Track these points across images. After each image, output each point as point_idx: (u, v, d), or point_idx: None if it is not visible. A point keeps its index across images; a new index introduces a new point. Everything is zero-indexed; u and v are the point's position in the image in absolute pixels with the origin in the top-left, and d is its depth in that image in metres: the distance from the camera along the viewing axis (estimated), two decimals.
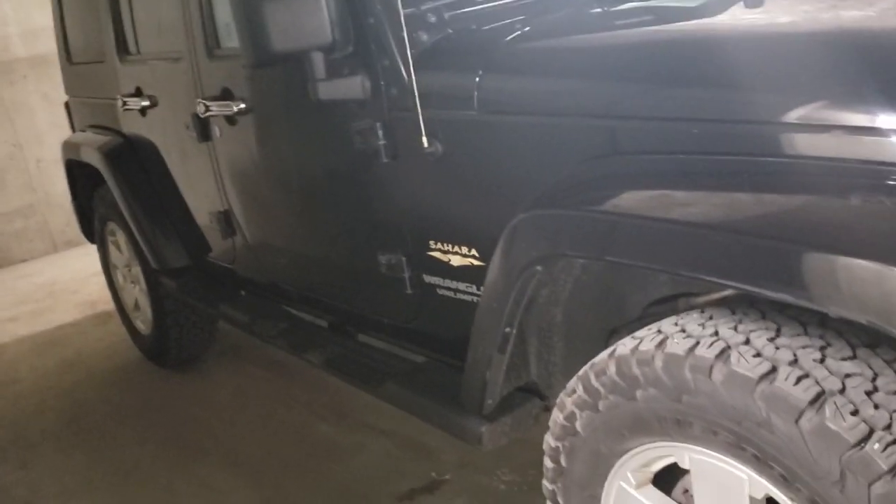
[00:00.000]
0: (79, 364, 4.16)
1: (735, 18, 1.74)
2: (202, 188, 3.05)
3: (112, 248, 4.01)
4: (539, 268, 1.57)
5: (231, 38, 2.61)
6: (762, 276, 1.19)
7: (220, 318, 3.22)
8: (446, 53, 1.94)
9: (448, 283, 2.04)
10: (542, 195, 1.60)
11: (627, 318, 1.87)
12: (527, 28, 1.88)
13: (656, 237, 1.34)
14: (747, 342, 1.29)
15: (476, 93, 1.80)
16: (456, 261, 1.99)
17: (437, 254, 2.04)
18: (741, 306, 1.41)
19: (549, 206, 1.55)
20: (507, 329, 1.69)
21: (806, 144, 1.28)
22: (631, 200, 1.42)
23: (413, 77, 1.86)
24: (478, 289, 1.94)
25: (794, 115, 1.30)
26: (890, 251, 1.07)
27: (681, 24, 1.76)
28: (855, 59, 1.32)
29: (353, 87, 2.02)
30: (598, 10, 2.05)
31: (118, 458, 3.16)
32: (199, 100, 2.69)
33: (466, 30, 1.99)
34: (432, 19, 1.99)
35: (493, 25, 1.98)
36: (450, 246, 1.99)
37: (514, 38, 1.85)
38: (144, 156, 3.39)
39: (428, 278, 2.10)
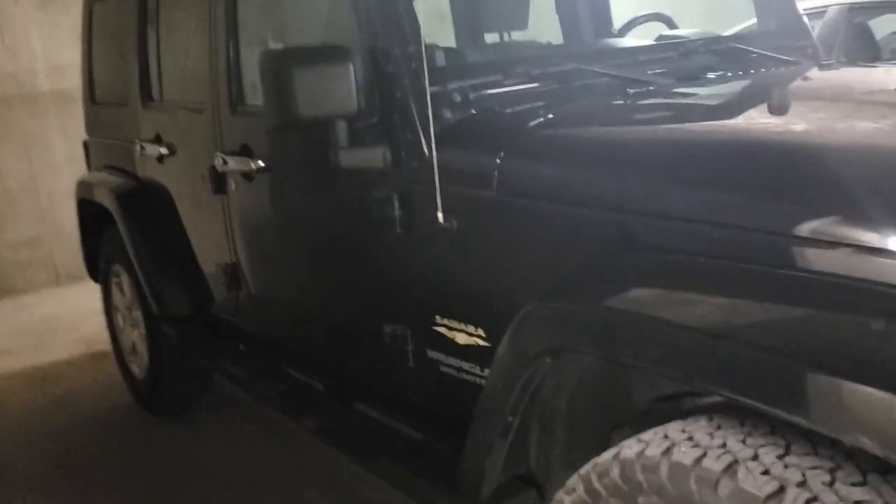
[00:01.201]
0: (70, 403, 4.11)
1: (752, 122, 1.75)
2: (212, 240, 3.04)
3: (115, 290, 3.99)
4: (548, 360, 1.54)
5: (255, 96, 2.64)
6: (769, 393, 1.17)
7: (217, 372, 3.18)
8: (468, 132, 1.95)
9: (451, 360, 2.02)
10: (554, 285, 1.58)
11: (632, 413, 1.84)
12: (550, 115, 1.89)
13: (663, 340, 1.32)
14: (755, 457, 1.26)
15: (496, 173, 1.80)
16: (462, 339, 1.97)
17: (442, 329, 2.02)
18: (750, 416, 1.38)
19: (560, 297, 1.54)
20: (511, 418, 1.66)
21: (819, 260, 1.28)
22: (642, 299, 1.41)
23: (434, 152, 1.87)
24: (481, 370, 1.91)
25: (806, 229, 1.31)
26: None
27: (699, 124, 1.77)
28: (866, 176, 1.33)
29: (374, 156, 2.03)
30: (621, 101, 2.07)
31: None
32: (219, 153, 2.70)
33: (490, 111, 2.01)
34: (457, 98, 2.00)
35: (516, 109, 1.99)
36: (456, 323, 1.97)
37: (537, 123, 1.86)
38: (157, 202, 3.39)
39: (431, 353, 2.07)
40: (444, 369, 2.05)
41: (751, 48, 2.46)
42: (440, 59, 2.08)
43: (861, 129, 1.56)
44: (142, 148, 3.38)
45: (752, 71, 2.36)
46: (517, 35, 3.18)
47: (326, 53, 1.99)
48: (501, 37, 3.15)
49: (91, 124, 4.13)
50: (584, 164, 1.68)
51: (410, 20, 2.02)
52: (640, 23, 2.99)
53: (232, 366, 2.94)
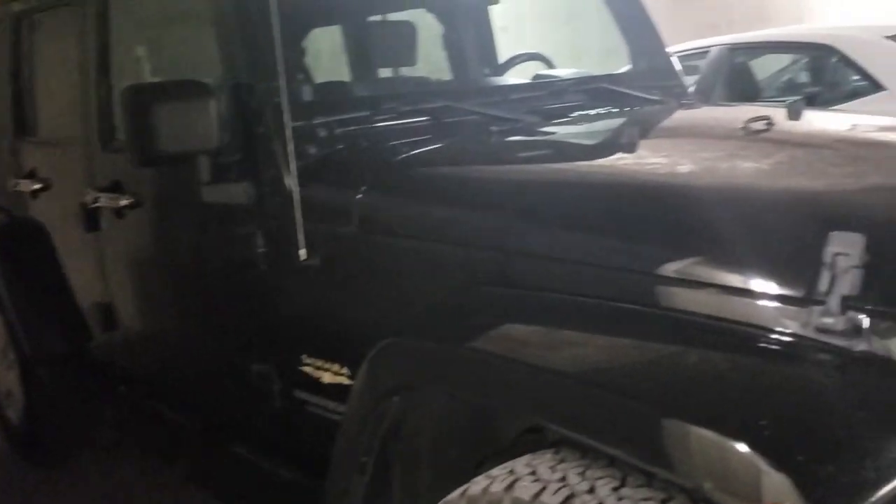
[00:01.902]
0: None
1: (632, 163, 1.80)
2: (86, 278, 2.95)
3: None
4: (395, 398, 1.53)
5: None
6: (601, 429, 1.19)
7: (92, 415, 3.06)
8: (332, 168, 1.95)
9: (318, 400, 1.98)
10: (408, 322, 1.58)
11: (499, 447, 1.83)
12: (413, 151, 1.91)
13: (509, 378, 1.32)
14: (592, 490, 1.27)
15: (356, 210, 1.80)
16: (327, 378, 1.94)
17: (308, 369, 1.98)
18: (592, 448, 1.39)
19: (411, 333, 1.53)
20: (365, 458, 1.63)
21: (675, 299, 1.31)
22: (489, 336, 1.41)
23: (296, 189, 1.85)
24: None
25: (670, 269, 1.34)
26: (732, 421, 1.06)
27: (556, 163, 1.81)
28: (734, 219, 1.37)
29: (237, 192, 2.01)
30: (485, 139, 2.09)
31: None
32: (90, 189, 2.63)
33: (358, 146, 2.01)
34: (322, 133, 1.99)
35: (381, 145, 2.00)
36: (322, 362, 1.95)
37: (399, 159, 1.87)
38: (31, 239, 3.26)
39: (298, 393, 2.04)
40: (310, 409, 2.01)
41: (618, 88, 2.53)
42: (306, 94, 2.08)
43: (741, 171, 1.60)
44: (16, 183, 3.26)
45: (616, 110, 2.43)
46: (408, 71, 3.21)
47: (187, 88, 1.97)
48: (394, 72, 3.18)
49: None
50: (440, 201, 1.70)
51: (272, 55, 2.00)
52: (520, 62, 3.06)
53: (107, 408, 2.83)
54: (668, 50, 2.94)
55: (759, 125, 1.92)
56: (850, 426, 1.03)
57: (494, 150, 2.01)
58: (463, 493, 1.42)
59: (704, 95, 5.18)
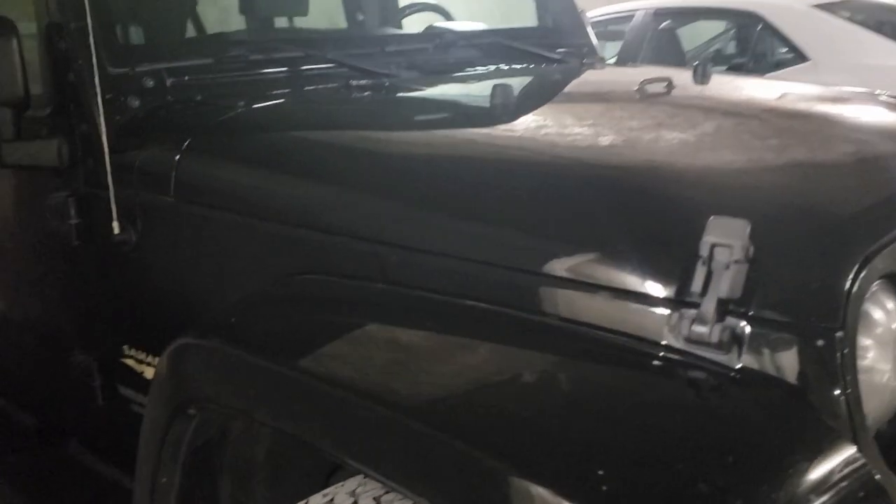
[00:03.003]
0: None
1: (493, 130, 1.51)
2: None
3: None
4: (192, 411, 1.24)
5: None
6: (401, 471, 0.93)
7: None
8: (157, 125, 1.64)
9: (142, 398, 1.69)
10: (211, 316, 1.30)
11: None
12: (248, 107, 1.61)
13: (306, 404, 1.06)
14: None
15: (174, 174, 1.50)
16: (149, 373, 1.64)
17: (131, 362, 1.69)
18: None
19: (211, 332, 1.25)
20: (164, 479, 1.34)
21: (519, 294, 1.06)
22: (295, 343, 1.14)
23: (106, 148, 1.54)
24: None
25: (517, 258, 1.08)
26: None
27: (429, 130, 1.54)
28: (601, 200, 1.12)
29: (47, 152, 1.68)
30: (355, 89, 1.80)
31: None
32: None
33: (191, 101, 1.70)
34: (149, 83, 1.68)
35: (213, 99, 1.69)
36: (144, 355, 1.65)
37: (229, 116, 1.57)
38: None
39: (122, 390, 1.74)
40: (135, 409, 1.71)
41: (514, 44, 2.26)
42: (135, 37, 1.76)
43: (663, 145, 1.32)
44: None
45: (506, 67, 2.16)
46: (301, 21, 2.88)
47: None
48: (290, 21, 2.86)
49: None
50: (262, 168, 1.41)
51: None
52: (413, 12, 2.76)
53: None
54: (582, 11, 2.69)
55: (657, 88, 1.67)
56: (706, 476, 0.79)
57: (342, 108, 1.71)
58: None
59: (627, 63, 4.96)
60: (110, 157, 1.58)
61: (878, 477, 0.83)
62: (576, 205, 1.10)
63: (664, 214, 1.05)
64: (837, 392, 0.87)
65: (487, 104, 1.53)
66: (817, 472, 0.81)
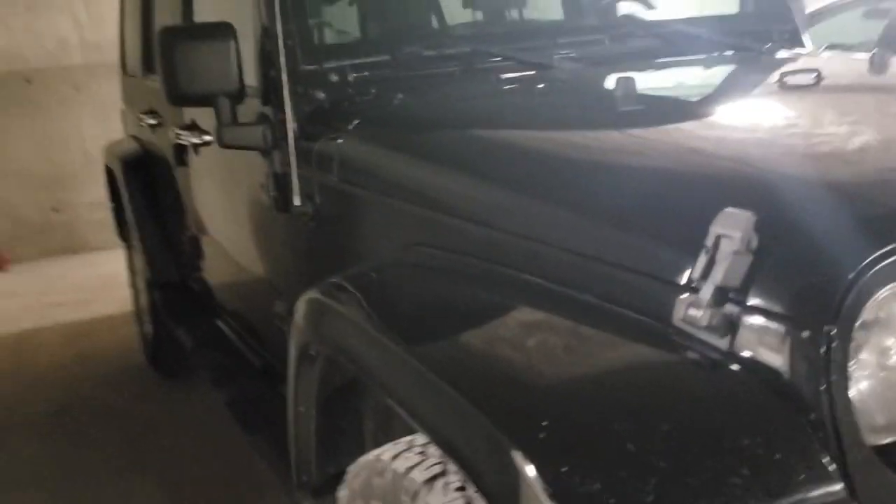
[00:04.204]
0: (93, 359, 4.34)
1: (583, 128, 1.60)
2: (184, 210, 3.14)
3: (135, 253, 4.17)
4: (316, 356, 1.49)
5: None
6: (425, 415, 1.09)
7: (174, 337, 3.25)
8: (337, 116, 1.91)
9: None
10: (339, 276, 1.53)
11: None
12: (406, 100, 1.83)
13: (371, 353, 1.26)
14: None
15: (336, 158, 1.76)
16: None
17: None
18: None
19: (335, 289, 1.48)
20: (301, 409, 1.60)
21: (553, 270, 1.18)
22: (397, 311, 1.34)
23: (291, 133, 1.84)
24: None
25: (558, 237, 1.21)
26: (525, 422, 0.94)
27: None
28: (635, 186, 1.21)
29: (254, 136, 2.02)
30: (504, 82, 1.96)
31: (77, 457, 3.27)
32: (174, 128, 2.77)
33: (368, 94, 1.95)
34: (334, 78, 1.96)
35: (392, 94, 1.92)
36: None
37: (385, 109, 1.80)
38: (153, 172, 3.52)
39: None
40: None
41: (698, 32, 2.27)
42: (328, 37, 2.04)
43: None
44: (140, 119, 3.50)
45: (682, 58, 2.18)
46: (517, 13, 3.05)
47: (210, 30, 1.99)
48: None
49: (124, 94, 4.32)
50: (396, 156, 1.62)
51: None
52: (612, 1, 2.81)
53: (184, 332, 3.02)
54: None
55: (798, 80, 1.65)
56: (660, 439, 0.87)
57: (481, 103, 1.87)
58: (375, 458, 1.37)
59: (891, 44, 4.55)
60: (299, 143, 1.88)
61: (830, 468, 0.86)
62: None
63: (692, 202, 1.11)
64: (822, 385, 0.91)
65: (610, 97, 1.62)
66: (768, 460, 0.86)
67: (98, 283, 5.71)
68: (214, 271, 2.90)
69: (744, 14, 2.54)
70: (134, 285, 4.29)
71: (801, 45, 2.44)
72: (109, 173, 4.13)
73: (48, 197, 6.83)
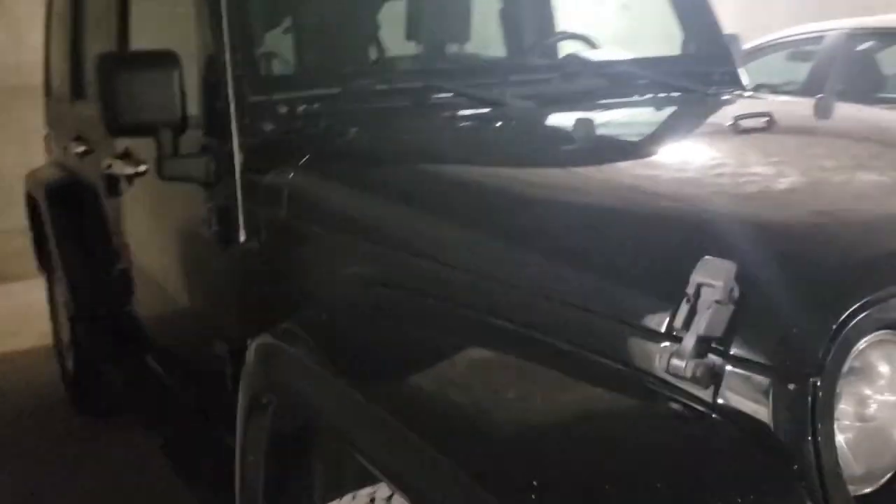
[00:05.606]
0: (9, 395, 4.11)
1: (544, 169, 1.59)
2: (114, 242, 3.01)
3: (57, 284, 3.99)
4: (265, 400, 1.41)
5: None
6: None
7: (100, 375, 3.10)
8: (285, 149, 1.85)
9: None
10: (289, 320, 1.46)
11: None
12: (353, 130, 1.79)
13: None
14: None
15: (286, 193, 1.70)
16: None
17: None
18: None
19: (283, 335, 1.41)
20: (251, 458, 1.52)
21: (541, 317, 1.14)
22: (352, 351, 1.29)
23: (238, 166, 1.78)
24: None
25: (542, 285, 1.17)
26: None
27: (499, 165, 1.63)
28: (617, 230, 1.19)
29: (197, 168, 1.94)
30: (458, 119, 1.94)
31: None
32: (107, 156, 2.66)
33: (317, 127, 1.90)
34: (283, 110, 1.90)
35: (342, 127, 1.88)
36: None
37: (335, 144, 1.76)
38: (79, 201, 3.37)
39: None
40: None
41: (641, 72, 2.30)
42: (276, 68, 1.99)
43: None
44: (65, 147, 3.37)
45: (627, 99, 2.20)
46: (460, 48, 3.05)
47: (152, 58, 1.91)
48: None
49: (48, 118, 4.16)
50: (350, 194, 1.58)
51: (241, 25, 1.92)
52: (556, 41, 2.84)
53: (114, 368, 2.88)
54: (730, 33, 2.66)
55: (752, 123, 1.67)
56: (643, 490, 0.84)
57: (429, 137, 1.84)
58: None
59: (814, 87, 4.72)
60: (245, 176, 1.81)
61: None
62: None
63: (674, 249, 1.10)
64: (808, 436, 0.89)
65: (571, 137, 1.61)
66: None
67: (17, 315, 5.45)
68: (146, 307, 2.78)
69: (686, 56, 2.58)
70: (55, 318, 4.10)
71: (742, 86, 2.49)
72: (31, 201, 3.96)
73: None
